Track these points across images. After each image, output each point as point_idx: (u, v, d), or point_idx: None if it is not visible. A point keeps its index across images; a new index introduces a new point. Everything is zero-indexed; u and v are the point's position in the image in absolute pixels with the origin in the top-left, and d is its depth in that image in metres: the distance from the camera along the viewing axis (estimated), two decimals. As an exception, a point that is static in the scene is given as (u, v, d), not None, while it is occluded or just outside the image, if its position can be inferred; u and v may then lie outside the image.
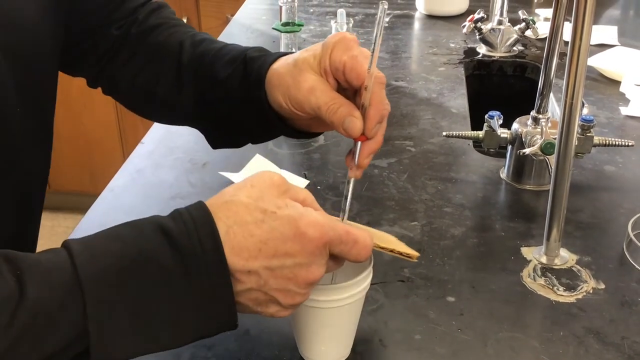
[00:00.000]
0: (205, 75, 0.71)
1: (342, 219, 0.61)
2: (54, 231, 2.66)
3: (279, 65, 0.64)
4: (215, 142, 0.76)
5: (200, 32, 0.77)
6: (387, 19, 1.64)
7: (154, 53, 0.75)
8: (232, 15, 1.76)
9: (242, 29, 1.58)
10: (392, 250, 0.59)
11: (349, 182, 0.61)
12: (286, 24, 1.14)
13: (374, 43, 0.56)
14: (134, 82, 0.76)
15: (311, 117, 0.63)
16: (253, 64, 0.67)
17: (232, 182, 0.93)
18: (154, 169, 0.99)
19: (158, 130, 1.09)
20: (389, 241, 0.63)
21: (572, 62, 0.69)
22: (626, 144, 0.93)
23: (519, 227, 0.85)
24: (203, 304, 0.51)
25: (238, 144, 0.76)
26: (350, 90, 0.62)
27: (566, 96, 0.70)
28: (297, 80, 0.61)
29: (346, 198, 0.61)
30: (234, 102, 0.68)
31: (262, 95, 0.65)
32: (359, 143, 0.60)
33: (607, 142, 0.93)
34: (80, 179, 2.63)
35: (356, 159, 0.60)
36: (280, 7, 1.15)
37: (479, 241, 0.83)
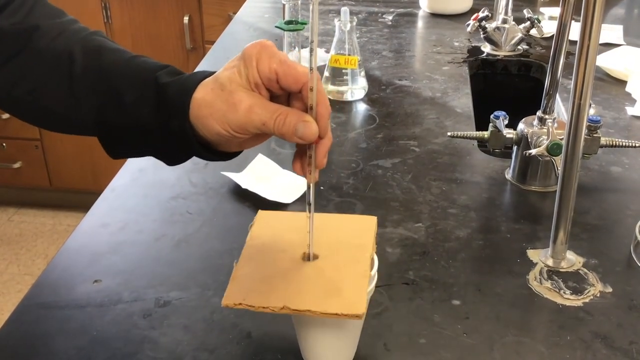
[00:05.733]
0: (107, 94, 0.64)
1: (309, 227, 0.59)
2: (55, 229, 2.65)
3: (203, 93, 0.60)
4: (116, 154, 0.69)
5: (90, 30, 0.69)
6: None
7: (35, 62, 0.67)
8: (235, 13, 1.76)
9: (245, 27, 1.57)
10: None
11: (309, 188, 0.59)
12: (289, 23, 1.13)
13: (311, 42, 0.54)
14: (10, 92, 0.67)
15: (252, 135, 0.60)
16: (167, 92, 0.62)
17: (234, 182, 0.92)
18: (155, 168, 0.98)
19: (160, 129, 1.08)
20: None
21: (580, 62, 0.68)
22: (633, 144, 0.92)
23: (525, 229, 0.84)
24: None
25: (142, 156, 0.71)
26: (283, 97, 0.60)
27: (574, 97, 0.69)
28: (231, 103, 0.58)
29: (310, 204, 0.59)
30: (144, 129, 0.63)
31: (186, 127, 0.60)
32: (313, 145, 0.58)
33: (614, 142, 0.92)
34: (81, 176, 2.62)
35: (314, 162, 0.58)
36: (284, 5, 1.14)
37: (484, 243, 0.82)
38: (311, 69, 0.55)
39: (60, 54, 0.66)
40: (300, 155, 0.59)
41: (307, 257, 0.61)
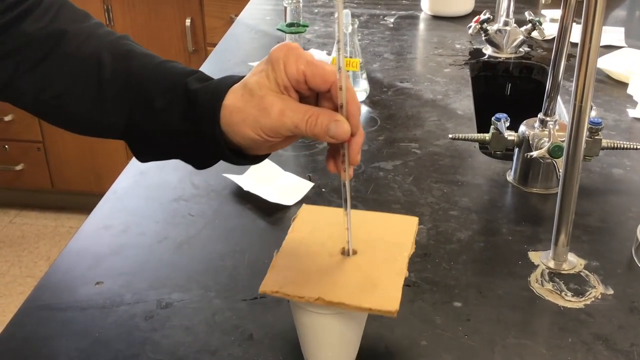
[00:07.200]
0: (136, 99, 0.65)
1: (347, 223, 0.60)
2: (57, 231, 2.65)
3: (234, 100, 0.60)
4: (144, 158, 0.69)
5: (116, 34, 0.70)
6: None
7: (63, 67, 0.67)
8: (236, 15, 1.76)
9: (246, 29, 1.57)
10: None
11: (344, 186, 0.60)
12: (291, 25, 1.13)
13: (338, 42, 0.55)
14: (38, 97, 0.67)
15: (284, 138, 0.60)
16: (197, 99, 0.62)
17: (236, 184, 0.93)
18: (157, 170, 0.98)
19: (161, 132, 1.09)
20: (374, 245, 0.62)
21: (581, 64, 0.68)
22: (634, 146, 0.92)
23: (526, 231, 0.84)
24: None
25: (169, 159, 0.71)
26: (311, 97, 0.60)
27: (575, 99, 0.70)
28: (262, 108, 0.58)
29: (346, 201, 0.60)
30: (174, 134, 0.64)
31: (216, 133, 0.61)
32: (346, 144, 0.58)
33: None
34: (83, 178, 2.63)
35: (347, 160, 0.59)
36: (285, 7, 1.14)
37: (486, 245, 0.82)
38: (339, 68, 0.55)
39: (88, 58, 0.66)
40: (332, 154, 0.60)
41: (346, 253, 0.61)
